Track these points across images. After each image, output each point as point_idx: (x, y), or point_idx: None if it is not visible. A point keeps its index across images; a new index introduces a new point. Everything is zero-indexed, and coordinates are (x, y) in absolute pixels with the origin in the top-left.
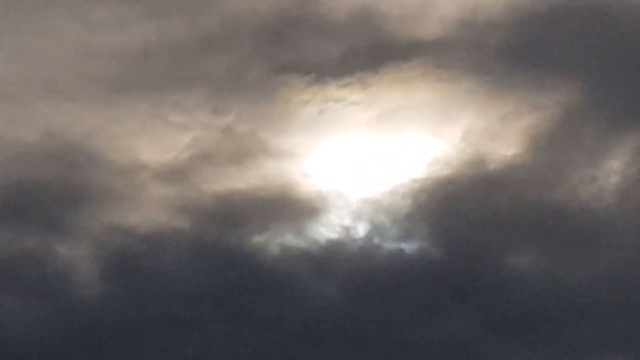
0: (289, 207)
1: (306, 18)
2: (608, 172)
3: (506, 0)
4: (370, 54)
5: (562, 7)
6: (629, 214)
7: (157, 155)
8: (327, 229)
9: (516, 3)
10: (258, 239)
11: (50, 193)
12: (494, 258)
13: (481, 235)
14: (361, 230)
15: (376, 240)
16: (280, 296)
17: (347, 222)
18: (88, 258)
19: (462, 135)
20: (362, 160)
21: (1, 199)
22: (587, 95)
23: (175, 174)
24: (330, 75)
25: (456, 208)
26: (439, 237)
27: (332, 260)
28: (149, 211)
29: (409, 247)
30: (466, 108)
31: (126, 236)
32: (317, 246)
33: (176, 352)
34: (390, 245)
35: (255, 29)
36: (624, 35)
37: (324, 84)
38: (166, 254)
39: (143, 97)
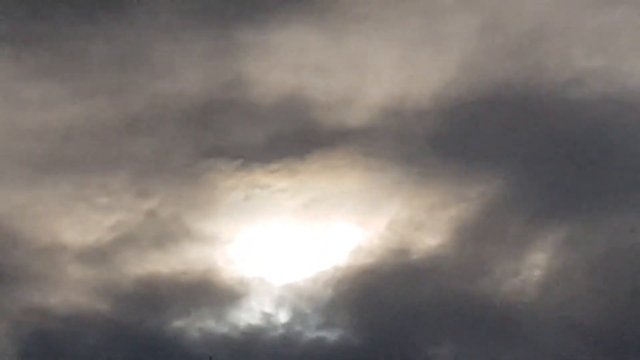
0: (211, 292)
1: (233, 103)
2: (531, 266)
3: (433, 90)
4: (298, 140)
5: (488, 99)
6: (550, 309)
7: (79, 236)
8: (248, 315)
9: (443, 93)
10: (178, 323)
11: None
12: (415, 349)
13: (403, 325)
14: (282, 317)
15: (297, 327)
16: None
17: (269, 308)
18: (6, 338)
19: (388, 225)
20: (286, 247)
21: None
22: (512, 189)
23: (97, 256)
24: (258, 161)
25: (378, 297)
26: (360, 326)
27: (252, 346)
28: (69, 293)
29: (330, 335)
30: (393, 198)
31: (45, 317)
32: (238, 332)
33: None
34: (311, 333)
35: (181, 112)
36: (548, 128)
37: (251, 169)
38: (85, 336)
39: (67, 178)
